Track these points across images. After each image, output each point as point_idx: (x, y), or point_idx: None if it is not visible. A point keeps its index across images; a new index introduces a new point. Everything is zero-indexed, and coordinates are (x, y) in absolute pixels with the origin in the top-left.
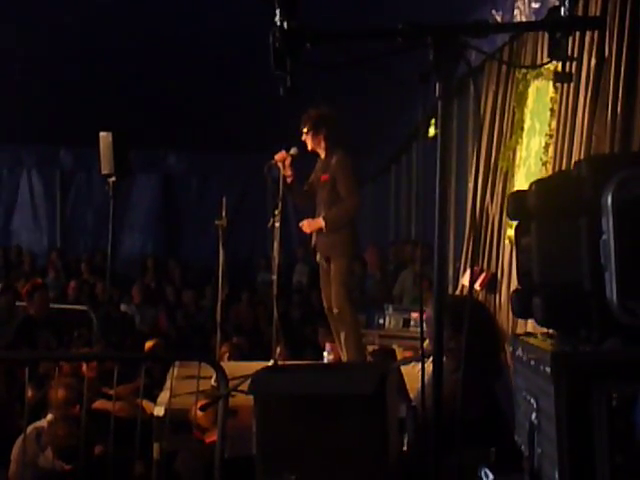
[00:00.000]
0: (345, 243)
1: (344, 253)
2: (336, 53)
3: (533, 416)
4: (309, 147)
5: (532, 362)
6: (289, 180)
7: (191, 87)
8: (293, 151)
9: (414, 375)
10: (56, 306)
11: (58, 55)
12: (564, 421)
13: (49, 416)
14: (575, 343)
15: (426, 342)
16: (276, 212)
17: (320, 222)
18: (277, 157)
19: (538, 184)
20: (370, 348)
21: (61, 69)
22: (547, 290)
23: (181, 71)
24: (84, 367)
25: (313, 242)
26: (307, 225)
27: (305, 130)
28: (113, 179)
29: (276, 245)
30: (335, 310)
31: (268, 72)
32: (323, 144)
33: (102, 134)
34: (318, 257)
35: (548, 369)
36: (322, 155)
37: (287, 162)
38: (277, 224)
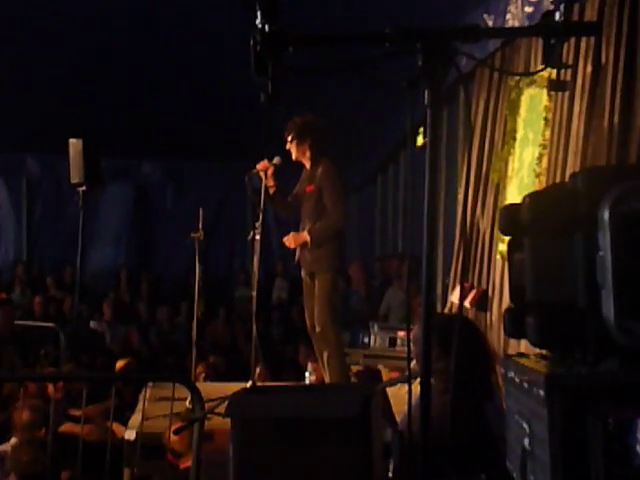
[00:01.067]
0: (330, 258)
1: (329, 268)
2: (320, 58)
3: (526, 441)
4: (293, 156)
5: (525, 384)
6: (271, 191)
7: (167, 91)
8: (276, 160)
9: (400, 397)
10: (22, 323)
11: (25, 57)
12: (558, 446)
13: (13, 440)
14: (570, 364)
15: (413, 362)
16: (257, 224)
17: (305, 236)
18: (259, 166)
19: (532, 197)
20: (354, 369)
21: (29, 72)
22: (540, 309)
23: (156, 74)
24: (50, 388)
25: (297, 257)
26: (292, 240)
27: (289, 138)
28: (83, 188)
29: (256, 259)
30: (317, 328)
31: (249, 77)
32: (308, 153)
33: (72, 141)
34: (303, 273)
35: (541, 392)
36: (307, 165)
37: (270, 172)
38: (257, 237)
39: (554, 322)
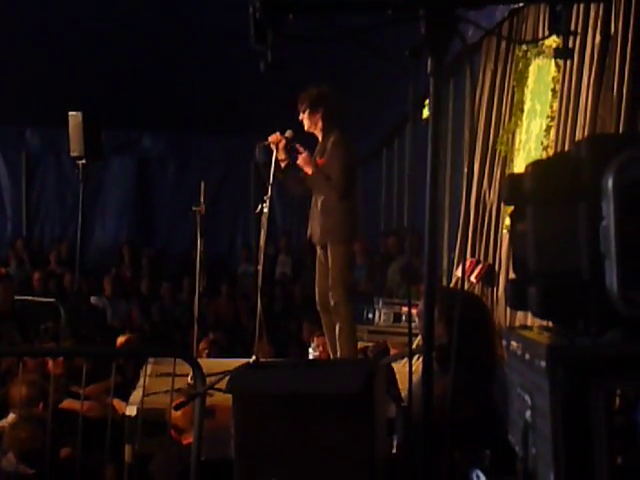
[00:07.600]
0: (343, 227)
1: (342, 238)
2: (321, 26)
3: (527, 414)
4: (306, 127)
5: (527, 356)
6: (282, 164)
7: (169, 63)
8: (288, 133)
9: (405, 373)
10: (21, 298)
11: (24, 29)
12: (560, 419)
13: (10, 416)
14: (572, 336)
15: (419, 338)
16: (265, 197)
17: (312, 164)
18: (271, 139)
19: (534, 166)
20: (360, 345)
21: (28, 44)
22: (543, 279)
23: (158, 46)
24: (50, 363)
25: (309, 232)
26: (302, 160)
27: (302, 109)
28: (83, 162)
29: (263, 233)
30: (332, 302)
31: (251, 47)
32: (320, 124)
33: (71, 113)
34: (318, 250)
35: (543, 363)
36: (319, 137)
37: (281, 145)
38: (265, 210)
39: (556, 293)
